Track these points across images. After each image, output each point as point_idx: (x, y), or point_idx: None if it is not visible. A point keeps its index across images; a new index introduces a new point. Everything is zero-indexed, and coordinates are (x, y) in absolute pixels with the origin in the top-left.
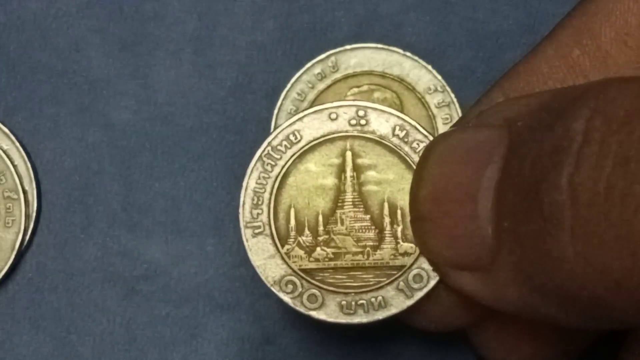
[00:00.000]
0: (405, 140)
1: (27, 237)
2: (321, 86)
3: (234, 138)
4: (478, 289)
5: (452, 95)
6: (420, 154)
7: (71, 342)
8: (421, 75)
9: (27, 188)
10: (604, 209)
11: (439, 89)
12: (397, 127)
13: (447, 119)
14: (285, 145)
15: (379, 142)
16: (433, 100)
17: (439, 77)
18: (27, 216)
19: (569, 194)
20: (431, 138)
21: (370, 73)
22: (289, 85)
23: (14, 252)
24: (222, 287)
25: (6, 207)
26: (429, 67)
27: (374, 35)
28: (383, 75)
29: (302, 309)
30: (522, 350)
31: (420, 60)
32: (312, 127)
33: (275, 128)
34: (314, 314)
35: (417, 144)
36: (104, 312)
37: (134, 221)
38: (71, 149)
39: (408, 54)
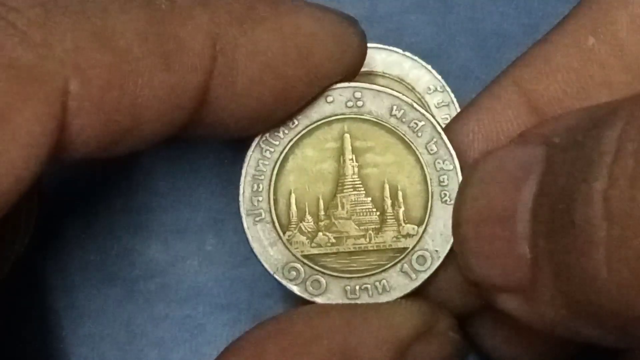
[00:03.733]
0: (403, 119)
1: (27, 237)
2: None
3: None
4: (520, 310)
5: (452, 95)
6: (418, 133)
7: (71, 342)
8: (421, 75)
9: None
10: None
11: (438, 89)
12: (394, 107)
13: (446, 119)
14: (283, 131)
15: (377, 123)
16: (433, 100)
17: (439, 77)
18: (28, 216)
19: (601, 209)
20: (428, 116)
21: (370, 73)
22: None
23: (14, 252)
24: (222, 287)
25: None
26: (429, 67)
27: (374, 35)
28: (383, 75)
29: (306, 296)
30: (519, 341)
31: (420, 60)
32: (308, 110)
33: None
34: (318, 299)
35: (415, 123)
36: (104, 312)
37: (134, 221)
38: None
39: (408, 54)
